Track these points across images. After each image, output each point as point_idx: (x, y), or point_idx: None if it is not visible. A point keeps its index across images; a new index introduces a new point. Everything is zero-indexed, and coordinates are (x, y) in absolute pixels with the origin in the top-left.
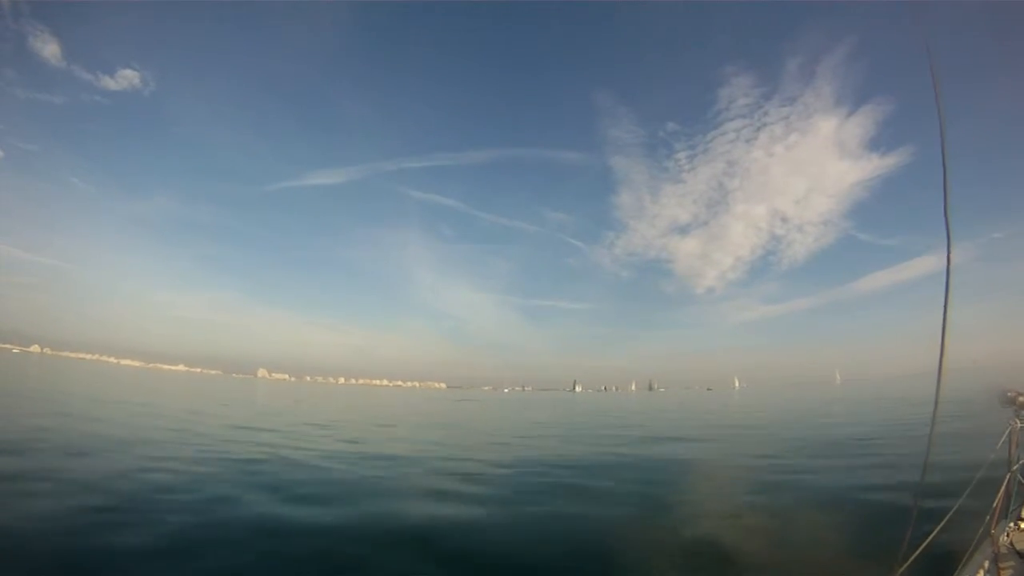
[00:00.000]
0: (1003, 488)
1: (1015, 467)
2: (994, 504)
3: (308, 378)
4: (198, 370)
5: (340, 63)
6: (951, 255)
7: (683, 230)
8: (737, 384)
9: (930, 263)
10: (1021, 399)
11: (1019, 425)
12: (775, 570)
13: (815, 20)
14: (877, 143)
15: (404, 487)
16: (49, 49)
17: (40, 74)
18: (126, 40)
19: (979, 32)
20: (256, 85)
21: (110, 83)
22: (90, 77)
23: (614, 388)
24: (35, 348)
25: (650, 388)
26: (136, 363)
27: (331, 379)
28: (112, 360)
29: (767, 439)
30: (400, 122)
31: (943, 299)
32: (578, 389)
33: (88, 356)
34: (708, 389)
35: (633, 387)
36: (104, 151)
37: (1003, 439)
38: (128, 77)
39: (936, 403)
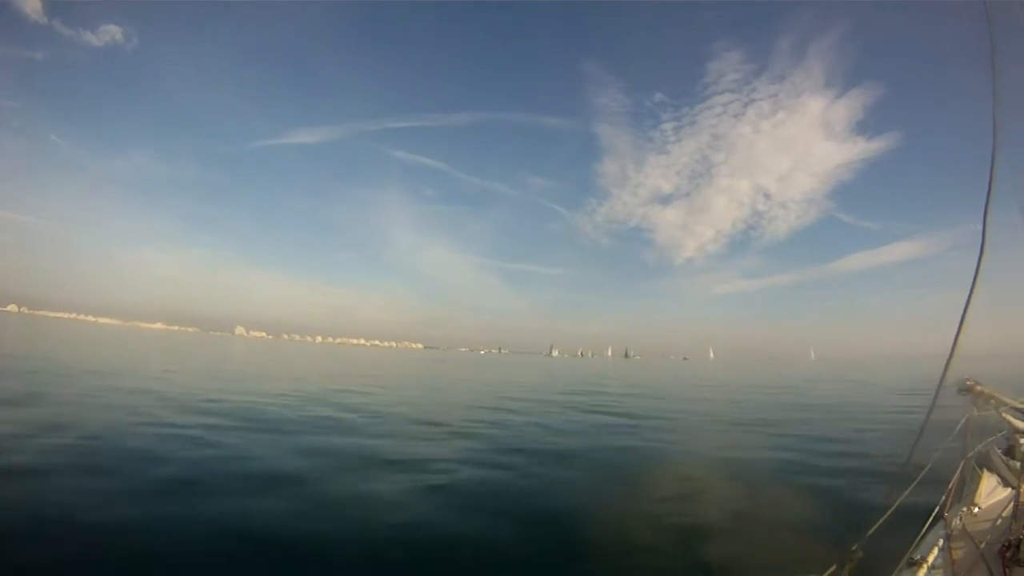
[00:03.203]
0: (958, 473)
1: (970, 454)
2: (949, 487)
3: (286, 336)
4: (176, 328)
5: (323, 21)
6: (984, 249)
7: (665, 200)
8: (712, 355)
9: (909, 248)
10: (978, 388)
11: (975, 413)
12: (728, 548)
13: (810, 0)
14: (864, 126)
15: None
16: (31, 4)
17: (21, 29)
18: None
19: (971, 23)
20: (238, 42)
21: (92, 39)
22: (72, 32)
23: (590, 354)
24: (12, 307)
25: (626, 355)
26: (114, 321)
27: (308, 338)
28: (90, 319)
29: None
30: (384, 82)
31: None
32: (555, 353)
33: (66, 315)
34: (685, 359)
35: (609, 353)
36: (85, 108)
37: (959, 426)
38: (111, 32)
39: (939, 386)
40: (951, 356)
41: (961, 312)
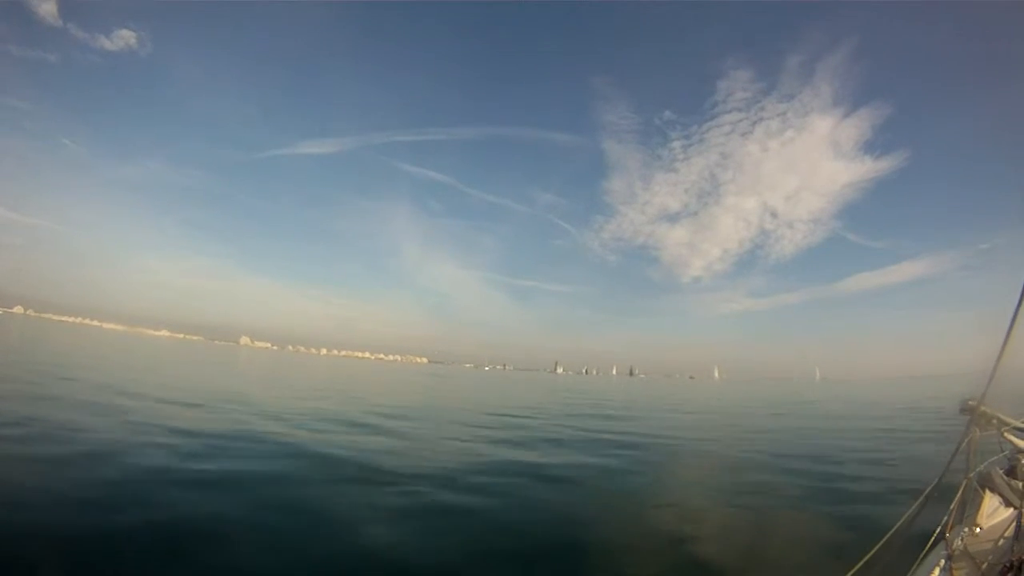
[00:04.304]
0: (960, 493)
1: (972, 474)
2: (951, 507)
3: (291, 348)
4: (181, 336)
5: (336, 33)
6: None
7: (672, 219)
8: (717, 374)
9: (916, 268)
10: (979, 408)
11: (977, 433)
12: (724, 570)
13: (818, 19)
14: (872, 146)
15: None
16: (46, 7)
17: (35, 32)
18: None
19: (977, 39)
20: (251, 51)
21: (106, 43)
22: (86, 36)
23: (595, 371)
24: (18, 309)
25: (631, 374)
26: (119, 327)
27: (313, 350)
28: (95, 323)
29: None
30: (393, 95)
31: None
32: (559, 371)
33: (71, 319)
34: (691, 377)
35: (614, 372)
36: (97, 112)
37: (962, 446)
38: (124, 37)
39: (976, 404)
40: (992, 375)
41: (1008, 328)
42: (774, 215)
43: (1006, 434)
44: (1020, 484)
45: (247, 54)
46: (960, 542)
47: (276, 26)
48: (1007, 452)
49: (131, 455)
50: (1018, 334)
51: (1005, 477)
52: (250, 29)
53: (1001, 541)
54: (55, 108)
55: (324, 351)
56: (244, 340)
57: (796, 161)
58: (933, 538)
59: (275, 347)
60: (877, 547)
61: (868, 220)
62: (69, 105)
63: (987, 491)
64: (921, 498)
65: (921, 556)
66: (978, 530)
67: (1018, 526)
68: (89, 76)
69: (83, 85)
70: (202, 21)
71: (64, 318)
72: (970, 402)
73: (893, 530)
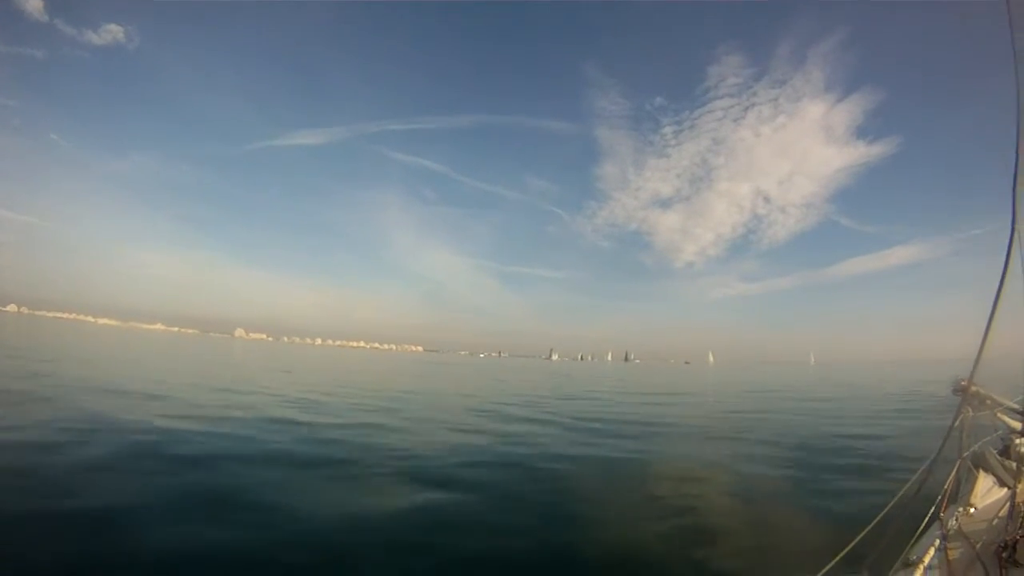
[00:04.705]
0: (953, 473)
1: (965, 454)
2: (945, 487)
3: (285, 338)
4: (175, 329)
5: (325, 23)
6: (1015, 231)
7: (665, 204)
8: (711, 359)
9: (908, 252)
10: (972, 389)
11: (970, 413)
12: (720, 540)
13: (810, 5)
14: (864, 131)
15: None
16: (32, 2)
17: (22, 27)
18: None
19: (969, 29)
20: (240, 43)
21: (93, 37)
22: (73, 31)
23: (590, 357)
24: (12, 307)
25: (626, 359)
26: (113, 322)
27: (308, 340)
28: (90, 319)
29: None
30: (384, 84)
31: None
32: (554, 357)
33: (66, 315)
34: (686, 363)
35: (609, 357)
36: (86, 107)
37: (955, 426)
38: (112, 32)
39: (969, 384)
40: (979, 356)
41: (989, 313)
42: (767, 200)
43: (999, 414)
44: (1013, 464)
45: (235, 46)
46: (954, 522)
47: (264, 17)
48: (1000, 432)
49: (79, 445)
50: (1010, 318)
51: (999, 457)
52: (238, 21)
53: (995, 521)
54: (43, 104)
55: (319, 341)
56: (239, 332)
57: (788, 146)
58: (927, 518)
59: (270, 338)
60: (870, 527)
61: (861, 205)
62: (57, 101)
63: (981, 471)
64: (915, 478)
65: (915, 536)
66: (972, 510)
67: (1012, 506)
68: (77, 72)
69: (71, 81)
70: (189, 14)
71: (58, 315)
72: (962, 383)
73: (886, 510)
